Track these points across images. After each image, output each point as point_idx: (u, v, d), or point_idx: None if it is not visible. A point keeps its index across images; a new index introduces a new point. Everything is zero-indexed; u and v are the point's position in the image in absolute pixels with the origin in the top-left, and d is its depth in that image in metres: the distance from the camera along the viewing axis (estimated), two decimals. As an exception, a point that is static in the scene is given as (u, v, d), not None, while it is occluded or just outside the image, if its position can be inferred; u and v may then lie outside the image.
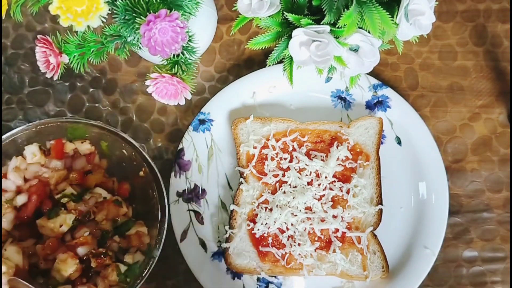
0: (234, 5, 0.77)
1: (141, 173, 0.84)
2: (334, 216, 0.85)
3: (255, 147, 0.89)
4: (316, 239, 0.85)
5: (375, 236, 0.87)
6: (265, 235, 0.86)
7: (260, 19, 0.76)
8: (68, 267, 0.76)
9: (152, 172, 0.83)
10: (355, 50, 0.76)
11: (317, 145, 0.89)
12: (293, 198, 0.86)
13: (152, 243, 0.81)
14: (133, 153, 0.84)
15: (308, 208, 0.86)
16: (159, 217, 0.81)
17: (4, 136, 0.82)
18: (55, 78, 0.70)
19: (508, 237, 0.90)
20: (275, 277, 0.88)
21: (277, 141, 0.89)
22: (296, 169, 0.87)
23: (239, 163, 0.90)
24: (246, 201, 0.88)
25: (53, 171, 0.83)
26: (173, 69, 0.70)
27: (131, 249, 0.81)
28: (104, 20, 0.65)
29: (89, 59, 0.71)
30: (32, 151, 0.83)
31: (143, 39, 0.64)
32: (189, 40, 0.71)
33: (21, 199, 0.80)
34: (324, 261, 0.85)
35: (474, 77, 0.94)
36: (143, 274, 0.78)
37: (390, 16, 0.70)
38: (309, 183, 0.87)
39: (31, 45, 0.98)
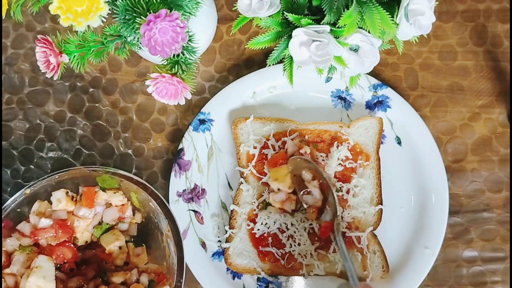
0: (234, 5, 0.77)
1: (167, 231, 0.81)
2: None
3: (255, 147, 0.89)
4: (316, 239, 0.85)
5: (375, 236, 0.87)
6: (265, 235, 0.86)
7: (260, 19, 0.76)
8: None
9: (174, 230, 0.80)
10: (355, 50, 0.76)
11: (317, 145, 0.89)
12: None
13: None
14: (158, 207, 0.81)
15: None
16: (177, 274, 0.78)
17: (33, 183, 0.81)
18: (55, 78, 0.70)
19: (508, 237, 0.90)
20: (275, 277, 0.88)
21: (277, 141, 0.89)
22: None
23: (239, 163, 0.90)
24: (246, 201, 0.88)
25: (80, 219, 0.80)
26: (173, 69, 0.70)
27: None
28: (104, 20, 0.65)
29: (89, 59, 0.71)
30: (57, 198, 0.80)
31: (143, 39, 0.64)
32: (189, 40, 0.71)
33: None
34: (324, 261, 0.85)
35: (474, 77, 0.94)
36: None
37: (390, 16, 0.70)
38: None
39: (31, 45, 0.98)
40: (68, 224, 0.79)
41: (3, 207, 0.79)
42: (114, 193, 0.83)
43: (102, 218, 0.83)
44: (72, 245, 0.80)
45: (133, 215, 0.85)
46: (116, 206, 0.83)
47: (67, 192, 0.81)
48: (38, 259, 0.75)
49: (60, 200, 0.80)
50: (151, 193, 0.81)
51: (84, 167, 0.83)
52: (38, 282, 0.73)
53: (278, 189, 0.84)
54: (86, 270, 0.80)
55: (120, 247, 0.81)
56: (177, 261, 0.78)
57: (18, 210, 0.81)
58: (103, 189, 0.83)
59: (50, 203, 0.81)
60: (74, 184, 0.83)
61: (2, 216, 0.78)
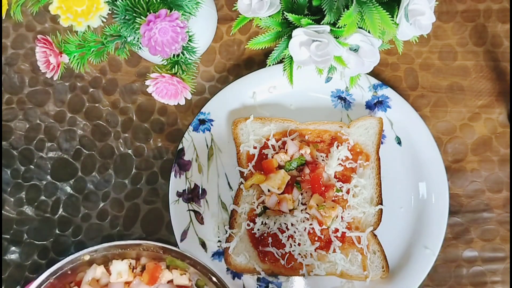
0: (234, 5, 0.77)
1: None
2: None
3: (255, 147, 0.89)
4: (316, 239, 0.85)
5: (375, 236, 0.87)
6: (265, 235, 0.86)
7: (260, 19, 0.76)
8: None
9: None
10: (355, 50, 0.76)
11: (317, 145, 0.89)
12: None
13: None
14: None
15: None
16: None
17: (97, 248, 0.71)
18: (55, 78, 0.70)
19: (508, 237, 0.90)
20: (275, 277, 0.88)
21: (277, 141, 0.89)
22: (296, 169, 0.87)
23: (239, 163, 0.90)
24: (246, 201, 0.88)
25: None
26: (173, 69, 0.70)
27: None
28: (104, 20, 0.65)
29: (89, 59, 0.71)
30: (118, 270, 0.71)
31: (143, 39, 0.64)
32: (189, 40, 0.71)
33: None
34: (324, 261, 0.85)
35: (474, 77, 0.94)
36: None
37: (390, 16, 0.70)
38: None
39: (31, 45, 0.98)
40: None
41: (53, 269, 0.70)
42: (180, 274, 0.74)
43: None
44: None
45: None
46: (177, 286, 0.74)
47: (130, 263, 0.72)
48: None
49: (121, 274, 0.71)
50: (221, 285, 0.72)
51: (156, 244, 0.71)
52: None
53: (269, 191, 0.85)
54: None
55: None
56: None
57: (69, 272, 0.72)
58: (168, 267, 0.74)
59: (107, 268, 0.72)
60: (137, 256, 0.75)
61: (51, 279, 0.70)
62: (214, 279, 0.73)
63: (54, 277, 0.70)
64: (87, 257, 0.71)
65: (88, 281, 0.71)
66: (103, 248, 0.71)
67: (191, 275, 0.75)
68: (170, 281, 0.74)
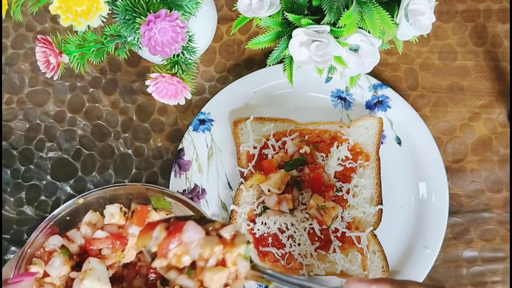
0: (234, 5, 0.77)
1: None
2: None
3: (255, 147, 0.89)
4: (316, 239, 0.85)
5: (375, 236, 0.87)
6: (265, 235, 0.86)
7: (260, 19, 0.76)
8: None
9: None
10: (355, 50, 0.76)
11: (317, 145, 0.89)
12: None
13: None
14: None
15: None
16: None
17: (87, 193, 0.80)
18: (55, 78, 0.70)
19: (508, 237, 0.90)
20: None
21: (277, 141, 0.89)
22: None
23: (239, 163, 0.90)
24: (246, 201, 0.88)
25: (130, 236, 0.78)
26: (173, 69, 0.70)
27: None
28: (104, 20, 0.65)
29: (89, 59, 0.71)
30: (111, 212, 0.79)
31: (143, 39, 0.64)
32: (189, 40, 0.71)
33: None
34: (324, 261, 0.85)
35: (474, 77, 0.94)
36: None
37: (390, 16, 0.70)
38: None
39: (31, 45, 0.98)
40: (124, 235, 0.78)
41: (52, 214, 0.78)
42: (166, 214, 0.81)
43: None
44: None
45: None
46: None
47: (121, 207, 0.80)
48: (90, 262, 0.74)
49: (114, 215, 0.78)
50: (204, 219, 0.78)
51: (141, 184, 0.81)
52: (93, 285, 0.72)
53: (269, 191, 0.84)
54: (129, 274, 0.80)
55: None
56: None
57: (68, 218, 0.79)
58: (155, 209, 0.81)
59: (102, 215, 0.79)
60: (128, 199, 0.82)
61: (52, 223, 0.77)
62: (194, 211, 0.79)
63: (53, 222, 0.77)
64: (81, 200, 0.79)
65: (86, 222, 0.78)
66: (94, 192, 0.80)
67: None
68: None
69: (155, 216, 0.80)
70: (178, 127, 0.95)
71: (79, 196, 0.80)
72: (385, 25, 0.70)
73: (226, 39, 0.97)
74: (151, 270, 0.78)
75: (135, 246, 0.77)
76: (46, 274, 0.74)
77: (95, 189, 0.80)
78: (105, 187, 0.81)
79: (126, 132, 0.96)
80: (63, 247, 0.76)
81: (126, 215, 0.80)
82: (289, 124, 0.90)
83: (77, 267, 0.76)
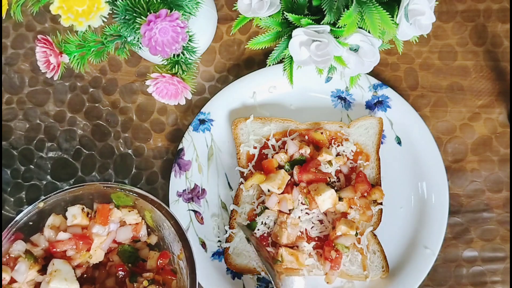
0: (234, 5, 0.77)
1: (179, 253, 0.78)
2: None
3: (255, 147, 0.89)
4: (316, 239, 0.85)
5: (375, 236, 0.87)
6: (265, 235, 0.86)
7: (260, 19, 0.76)
8: None
9: (188, 253, 0.77)
10: (355, 50, 0.76)
11: (317, 145, 0.89)
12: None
13: None
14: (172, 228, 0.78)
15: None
16: None
17: (47, 196, 0.79)
18: (55, 78, 0.70)
19: (508, 237, 0.90)
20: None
21: (277, 141, 0.89)
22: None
23: (239, 163, 0.90)
24: (246, 201, 0.88)
25: (95, 236, 0.78)
26: (173, 69, 0.70)
27: None
28: (105, 20, 0.65)
29: (89, 59, 0.71)
30: (73, 213, 0.79)
31: (144, 39, 0.64)
32: (189, 40, 0.71)
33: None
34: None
35: (474, 77, 0.94)
36: None
37: (390, 16, 0.70)
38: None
39: (31, 45, 0.98)
40: (87, 235, 0.78)
41: (14, 220, 0.77)
42: (129, 211, 0.81)
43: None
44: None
45: (148, 235, 0.83)
46: (130, 224, 0.81)
47: (83, 208, 0.80)
48: (54, 264, 0.74)
49: (75, 216, 0.78)
50: (166, 213, 0.78)
51: (99, 183, 0.81)
52: (61, 285, 0.72)
53: (269, 191, 0.84)
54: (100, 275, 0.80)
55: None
56: (189, 283, 0.75)
57: (30, 223, 0.79)
58: (118, 207, 0.81)
59: (65, 217, 0.79)
60: (89, 200, 0.81)
61: (14, 229, 0.77)
62: (159, 210, 0.79)
63: (15, 228, 0.77)
64: (41, 204, 0.79)
65: (49, 226, 0.78)
66: (54, 195, 0.79)
67: (140, 211, 0.81)
68: (124, 224, 0.81)
69: (117, 214, 0.80)
70: (178, 127, 0.95)
71: (39, 200, 0.79)
72: (385, 25, 0.70)
73: (226, 39, 0.97)
74: (119, 268, 0.78)
75: (102, 246, 0.79)
76: (13, 280, 0.74)
77: (54, 192, 0.79)
78: (64, 189, 0.80)
79: (126, 132, 0.96)
80: (27, 252, 0.76)
81: (90, 215, 0.80)
82: (289, 124, 0.90)
83: (44, 270, 0.76)
